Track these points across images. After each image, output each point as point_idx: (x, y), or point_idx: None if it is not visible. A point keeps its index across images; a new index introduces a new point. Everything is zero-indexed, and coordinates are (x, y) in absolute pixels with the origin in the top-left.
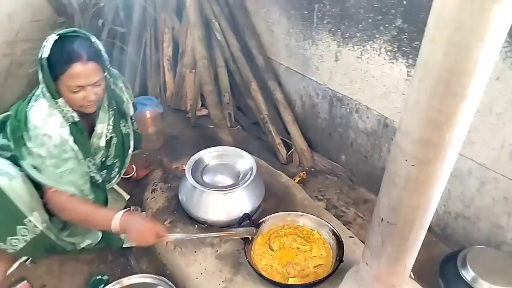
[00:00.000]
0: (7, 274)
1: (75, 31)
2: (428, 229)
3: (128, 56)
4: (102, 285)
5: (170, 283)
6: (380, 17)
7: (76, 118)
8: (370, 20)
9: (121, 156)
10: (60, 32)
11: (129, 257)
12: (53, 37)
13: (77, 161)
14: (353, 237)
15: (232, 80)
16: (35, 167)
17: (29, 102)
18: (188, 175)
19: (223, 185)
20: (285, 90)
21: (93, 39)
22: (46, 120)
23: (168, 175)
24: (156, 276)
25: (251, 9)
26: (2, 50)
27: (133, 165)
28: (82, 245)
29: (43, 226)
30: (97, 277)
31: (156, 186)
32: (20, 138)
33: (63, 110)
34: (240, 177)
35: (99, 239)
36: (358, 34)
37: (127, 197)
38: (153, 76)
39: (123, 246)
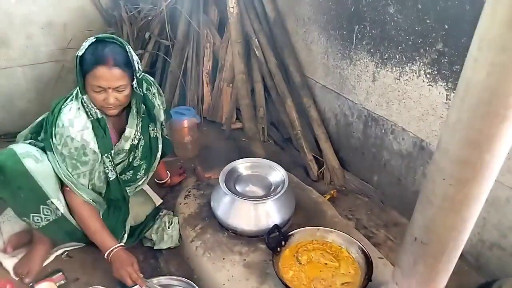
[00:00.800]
0: (44, 265)
1: (112, 38)
2: (460, 257)
3: (170, 68)
4: (133, 284)
5: (197, 287)
6: (421, 40)
7: (99, 115)
8: (410, 43)
9: (148, 158)
10: (98, 36)
11: (159, 259)
12: (91, 39)
13: (96, 163)
14: (382, 258)
15: (268, 95)
16: (57, 161)
17: (66, 99)
18: (222, 183)
19: (254, 195)
20: (320, 108)
21: (128, 48)
22: (72, 123)
23: (201, 183)
24: (184, 279)
25: (290, 28)
26: (56, 56)
27: (168, 171)
28: None
29: (64, 211)
30: None
31: (189, 192)
32: (50, 131)
33: (88, 106)
34: (272, 189)
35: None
36: (397, 56)
37: (159, 201)
38: (192, 88)
39: (155, 247)
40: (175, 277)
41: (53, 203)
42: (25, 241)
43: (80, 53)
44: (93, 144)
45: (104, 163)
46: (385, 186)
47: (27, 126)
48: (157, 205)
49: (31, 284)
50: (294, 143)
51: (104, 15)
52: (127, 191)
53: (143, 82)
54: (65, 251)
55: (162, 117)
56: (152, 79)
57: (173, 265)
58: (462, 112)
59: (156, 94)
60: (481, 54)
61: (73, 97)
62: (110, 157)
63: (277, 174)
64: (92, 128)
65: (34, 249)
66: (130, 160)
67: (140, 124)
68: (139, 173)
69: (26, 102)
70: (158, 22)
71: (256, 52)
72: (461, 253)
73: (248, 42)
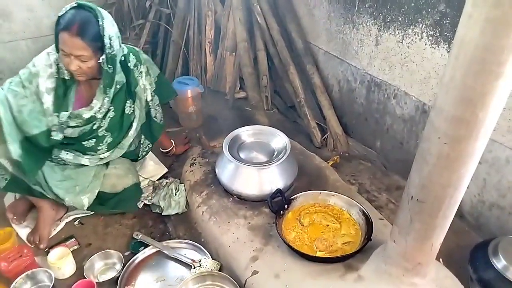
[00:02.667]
0: (56, 232)
1: (91, 8)
2: (461, 217)
3: (172, 38)
4: (142, 247)
5: (204, 249)
6: (423, 1)
7: (66, 77)
8: (412, 4)
9: (116, 133)
10: (80, 2)
11: (168, 224)
12: (73, 4)
13: (32, 97)
14: (383, 219)
15: (271, 63)
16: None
17: None
18: (225, 150)
19: (257, 161)
20: (323, 75)
21: (102, 22)
22: (38, 57)
23: (206, 151)
24: (192, 242)
25: None
26: None
27: (172, 141)
28: (70, 203)
29: (11, 169)
30: (138, 240)
31: (194, 160)
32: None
33: (59, 64)
34: (274, 155)
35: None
36: (400, 18)
37: (165, 170)
38: (195, 57)
39: (163, 213)
40: (183, 241)
41: (1, 163)
42: (24, 209)
43: (60, 13)
44: (42, 81)
45: (49, 115)
46: (387, 151)
47: None
48: (149, 179)
49: (46, 249)
50: (298, 111)
51: None
52: (88, 159)
53: (133, 57)
54: (76, 218)
55: (149, 97)
56: (145, 57)
57: (181, 230)
58: (456, 70)
59: (143, 73)
60: (475, 10)
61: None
62: (58, 117)
63: (279, 140)
64: (56, 86)
65: (39, 218)
66: (94, 128)
67: (110, 98)
68: (101, 144)
69: None
70: None
71: (258, 19)
72: (462, 214)
73: (250, 9)
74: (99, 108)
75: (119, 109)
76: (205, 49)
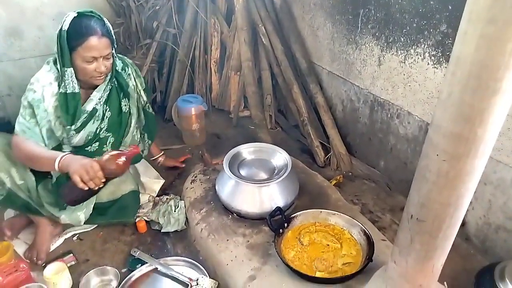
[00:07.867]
0: (55, 247)
1: (91, 12)
2: (466, 240)
3: (178, 57)
4: (140, 264)
5: (202, 267)
6: (425, 21)
7: (76, 90)
8: (414, 25)
9: (116, 132)
10: (78, 11)
11: (167, 242)
12: (72, 14)
13: (46, 121)
14: (385, 240)
15: (275, 82)
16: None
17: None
18: (226, 167)
19: (258, 178)
20: (327, 94)
21: (105, 20)
22: (38, 78)
23: (208, 169)
24: (190, 260)
25: (297, 14)
26: None
27: (162, 151)
28: (66, 220)
29: (11, 185)
30: (136, 257)
31: (195, 177)
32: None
33: (67, 79)
34: (275, 172)
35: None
36: (402, 39)
37: (161, 181)
38: (200, 76)
39: (162, 230)
40: (181, 258)
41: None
42: (21, 224)
43: (65, 27)
44: (47, 103)
45: (61, 132)
46: (391, 171)
47: None
48: (150, 194)
49: (43, 264)
50: (301, 130)
51: (112, 5)
52: None
53: (119, 62)
54: (75, 234)
55: (143, 97)
56: (130, 61)
57: (179, 247)
58: (453, 87)
59: (132, 75)
60: (470, 26)
61: (48, 63)
62: (69, 131)
63: (280, 157)
64: (66, 101)
65: (36, 233)
66: (97, 132)
67: (108, 92)
68: (105, 145)
69: None
70: (165, 11)
71: (263, 40)
72: (467, 236)
73: (255, 29)
74: (99, 99)
75: (115, 108)
76: (211, 68)
